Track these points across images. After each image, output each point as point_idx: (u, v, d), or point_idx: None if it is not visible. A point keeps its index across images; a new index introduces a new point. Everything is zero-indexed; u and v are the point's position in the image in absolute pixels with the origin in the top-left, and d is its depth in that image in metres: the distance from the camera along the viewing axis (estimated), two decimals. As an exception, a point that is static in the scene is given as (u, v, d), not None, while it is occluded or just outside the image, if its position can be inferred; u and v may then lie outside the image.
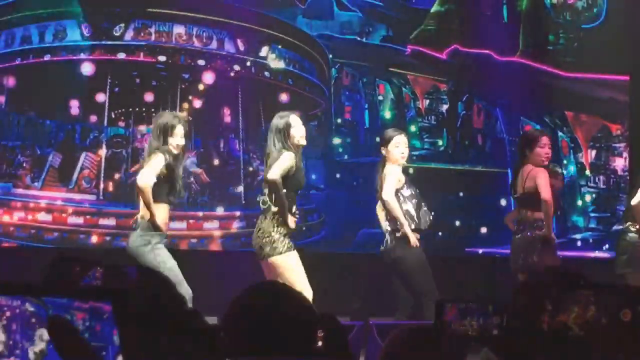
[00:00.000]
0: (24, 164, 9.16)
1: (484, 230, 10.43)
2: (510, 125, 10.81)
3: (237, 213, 9.61)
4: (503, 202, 10.38)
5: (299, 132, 7.24)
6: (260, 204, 7.29)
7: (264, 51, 9.89)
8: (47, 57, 9.30)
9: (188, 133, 7.29)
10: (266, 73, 9.91)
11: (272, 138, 7.23)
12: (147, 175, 6.84)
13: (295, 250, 7.21)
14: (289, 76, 10.02)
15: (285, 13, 10.08)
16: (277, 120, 7.31)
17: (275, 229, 7.15)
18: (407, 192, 7.82)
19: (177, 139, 6.95)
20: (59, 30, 9.31)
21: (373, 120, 10.30)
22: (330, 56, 10.13)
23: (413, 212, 7.77)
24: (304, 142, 7.29)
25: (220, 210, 9.63)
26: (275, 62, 9.94)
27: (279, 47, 9.97)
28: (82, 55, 9.34)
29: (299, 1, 10.16)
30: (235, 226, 9.62)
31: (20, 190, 9.11)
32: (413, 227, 7.75)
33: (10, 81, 9.26)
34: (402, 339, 2.67)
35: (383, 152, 7.89)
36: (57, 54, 9.33)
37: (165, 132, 6.93)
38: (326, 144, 10.11)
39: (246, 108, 9.74)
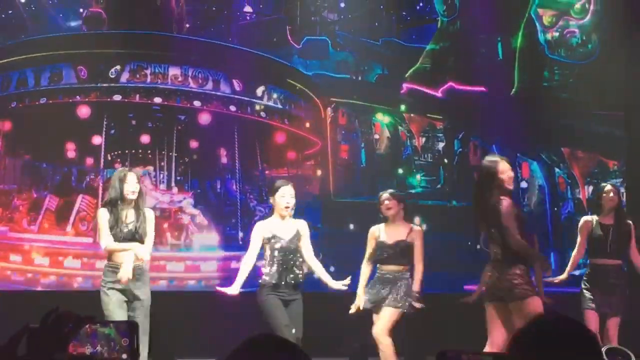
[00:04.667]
0: (20, 207, 9.14)
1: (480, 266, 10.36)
2: (507, 162, 10.79)
3: (235, 253, 9.57)
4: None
5: (507, 175, 6.62)
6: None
7: (260, 91, 9.91)
8: (42, 100, 9.31)
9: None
10: (262, 113, 9.92)
11: (483, 183, 6.62)
12: (104, 240, 7.24)
13: None
14: (285, 116, 10.03)
15: (280, 53, 10.10)
16: (487, 164, 6.66)
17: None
18: (277, 244, 7.37)
19: (131, 186, 7.28)
20: (54, 73, 9.32)
21: (370, 159, 10.30)
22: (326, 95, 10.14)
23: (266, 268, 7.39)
24: (511, 186, 6.64)
25: (217, 252, 9.59)
26: (272, 102, 9.95)
27: (275, 87, 9.98)
28: (78, 98, 9.35)
29: (294, 41, 10.19)
30: (232, 267, 9.57)
31: (16, 234, 9.08)
32: (267, 279, 7.33)
33: (6, 125, 9.27)
34: None
35: (271, 201, 7.58)
36: (53, 97, 9.33)
37: (120, 181, 7.28)
38: (323, 183, 10.09)
39: (243, 148, 9.74)
